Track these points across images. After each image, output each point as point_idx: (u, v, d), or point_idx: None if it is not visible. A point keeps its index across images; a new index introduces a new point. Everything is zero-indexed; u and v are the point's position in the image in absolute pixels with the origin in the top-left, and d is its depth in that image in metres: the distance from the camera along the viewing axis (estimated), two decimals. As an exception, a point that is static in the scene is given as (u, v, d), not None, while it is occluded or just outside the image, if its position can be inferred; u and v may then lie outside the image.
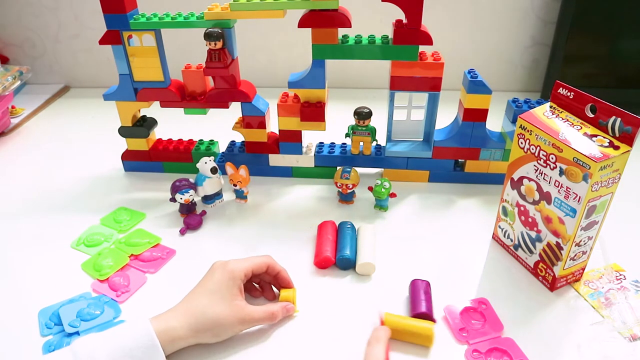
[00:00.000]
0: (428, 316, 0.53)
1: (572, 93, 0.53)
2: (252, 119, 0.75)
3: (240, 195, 0.74)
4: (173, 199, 0.70)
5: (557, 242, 0.55)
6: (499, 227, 0.64)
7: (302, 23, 0.66)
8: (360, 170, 0.75)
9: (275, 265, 0.55)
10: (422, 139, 0.78)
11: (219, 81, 0.72)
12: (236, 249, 0.65)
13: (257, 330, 0.53)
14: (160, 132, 0.84)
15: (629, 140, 0.48)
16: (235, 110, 0.76)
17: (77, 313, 0.54)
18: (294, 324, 0.54)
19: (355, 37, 0.69)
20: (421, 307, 0.53)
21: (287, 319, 0.54)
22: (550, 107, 0.56)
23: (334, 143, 0.81)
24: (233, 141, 0.83)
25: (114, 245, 0.66)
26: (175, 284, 0.60)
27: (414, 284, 0.56)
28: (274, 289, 0.58)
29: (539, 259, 0.58)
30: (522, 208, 0.59)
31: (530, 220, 0.58)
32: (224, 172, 0.75)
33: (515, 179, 0.58)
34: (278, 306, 0.52)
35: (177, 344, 0.47)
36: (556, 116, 0.54)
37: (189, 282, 0.53)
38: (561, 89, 0.55)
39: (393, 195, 0.72)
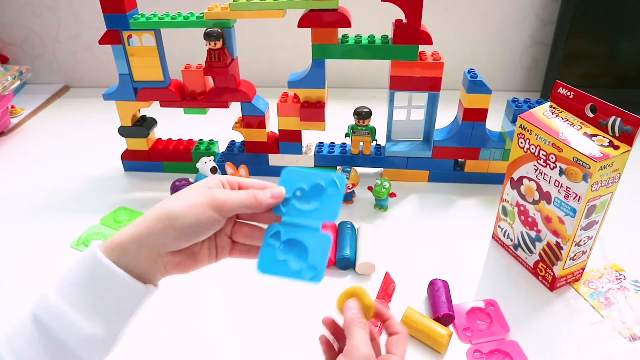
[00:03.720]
0: (450, 317, 0.53)
1: (572, 93, 0.53)
2: (252, 119, 0.75)
3: (240, 195, 0.74)
4: (173, 199, 0.70)
5: (557, 242, 0.55)
6: (499, 227, 0.64)
7: (302, 23, 0.66)
8: (360, 170, 0.75)
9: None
10: (422, 139, 0.78)
11: (219, 81, 0.72)
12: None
13: (256, 330, 0.53)
14: (160, 132, 0.84)
15: (629, 140, 0.48)
16: (235, 110, 0.76)
17: None
18: (294, 323, 0.54)
19: (355, 37, 0.69)
20: (445, 309, 0.53)
21: (287, 320, 0.54)
22: (550, 107, 0.56)
23: (334, 143, 0.81)
24: (233, 141, 0.83)
25: (114, 245, 0.66)
26: (175, 282, 0.60)
27: (433, 284, 0.56)
28: None
29: (539, 259, 0.58)
30: (522, 208, 0.59)
31: (530, 220, 0.58)
32: (224, 172, 0.75)
33: (516, 179, 0.58)
34: (263, 191, 0.39)
35: (130, 249, 0.36)
36: (556, 116, 0.54)
37: (189, 281, 0.53)
38: (561, 89, 0.55)
39: (393, 195, 0.72)
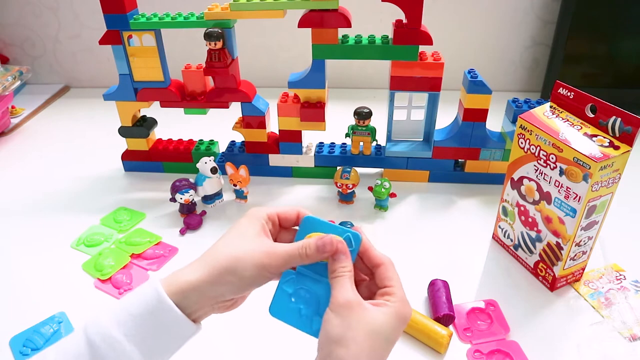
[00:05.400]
0: (450, 317, 0.53)
1: (572, 93, 0.53)
2: (252, 119, 0.75)
3: (240, 195, 0.74)
4: (173, 199, 0.70)
5: (557, 242, 0.55)
6: (499, 227, 0.64)
7: (302, 23, 0.66)
8: (360, 170, 0.75)
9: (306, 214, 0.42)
10: (422, 139, 0.78)
11: (219, 81, 0.72)
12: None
13: (256, 330, 0.53)
14: (160, 132, 0.84)
15: (629, 140, 0.48)
16: (235, 110, 0.76)
17: (25, 341, 0.53)
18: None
19: (355, 37, 0.69)
20: (445, 309, 0.53)
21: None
22: (551, 107, 0.56)
23: (334, 143, 0.81)
24: (233, 141, 0.83)
25: (114, 245, 0.66)
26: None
27: (433, 284, 0.56)
28: None
29: (539, 259, 0.58)
30: (522, 208, 0.59)
31: (530, 220, 0.58)
32: (224, 172, 0.75)
33: (516, 179, 0.58)
34: (313, 240, 0.38)
35: (191, 296, 0.37)
36: (556, 116, 0.54)
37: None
38: (561, 89, 0.55)
39: (393, 195, 0.72)
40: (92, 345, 0.35)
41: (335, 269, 0.37)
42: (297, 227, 0.41)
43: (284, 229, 0.42)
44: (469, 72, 0.70)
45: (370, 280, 0.39)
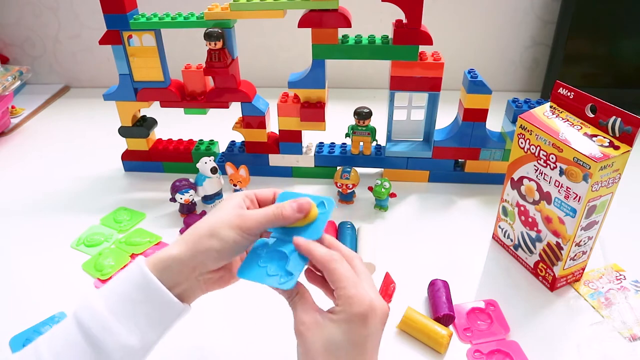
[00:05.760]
0: (450, 317, 0.53)
1: (572, 93, 0.53)
2: (252, 119, 0.75)
3: (240, 195, 0.74)
4: (173, 199, 0.70)
5: (557, 242, 0.55)
6: (499, 227, 0.64)
7: (302, 23, 0.66)
8: (360, 170, 0.75)
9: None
10: (422, 139, 0.78)
11: (219, 81, 0.72)
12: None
13: (254, 330, 0.53)
14: (160, 132, 0.84)
15: (629, 140, 0.48)
16: (235, 110, 0.76)
17: (25, 341, 0.52)
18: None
19: (355, 37, 0.69)
20: (445, 309, 0.53)
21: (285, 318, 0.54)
22: (550, 107, 0.56)
23: (334, 143, 0.81)
24: (233, 141, 0.83)
25: (114, 245, 0.66)
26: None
27: (433, 284, 0.56)
28: None
29: (539, 259, 0.58)
30: (522, 208, 0.59)
31: (530, 220, 0.58)
32: (224, 172, 0.75)
33: (516, 179, 0.58)
34: (288, 201, 0.40)
35: (173, 267, 0.37)
36: (556, 116, 0.54)
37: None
38: (561, 89, 0.55)
39: (393, 195, 0.72)
40: (81, 324, 0.35)
41: (298, 289, 0.38)
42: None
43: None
44: (469, 72, 0.70)
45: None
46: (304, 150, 0.78)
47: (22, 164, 0.88)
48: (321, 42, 0.68)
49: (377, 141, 0.77)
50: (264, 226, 0.39)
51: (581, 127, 0.52)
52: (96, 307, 0.36)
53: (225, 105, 0.75)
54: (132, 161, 0.83)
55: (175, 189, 0.69)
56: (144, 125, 0.79)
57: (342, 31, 0.69)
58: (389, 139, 0.76)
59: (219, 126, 0.85)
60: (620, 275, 0.59)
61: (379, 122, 0.76)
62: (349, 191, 0.72)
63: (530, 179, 0.56)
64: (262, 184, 0.78)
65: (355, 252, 0.61)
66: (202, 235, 0.38)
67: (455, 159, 0.77)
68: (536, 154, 0.54)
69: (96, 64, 1.18)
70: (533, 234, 0.58)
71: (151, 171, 0.83)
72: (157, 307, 0.37)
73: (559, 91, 0.55)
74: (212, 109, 0.76)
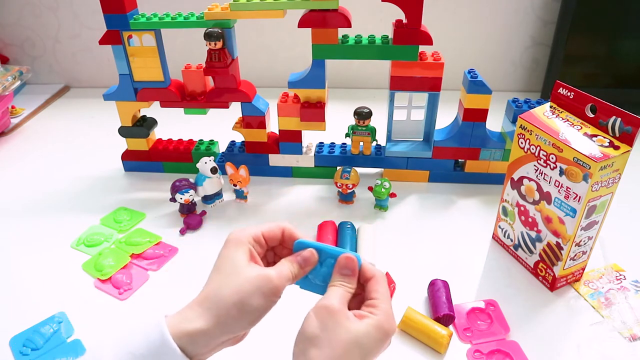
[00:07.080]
0: (450, 317, 0.53)
1: (572, 93, 0.53)
2: (252, 119, 0.75)
3: (240, 195, 0.74)
4: (173, 199, 0.70)
5: (557, 242, 0.55)
6: (499, 227, 0.64)
7: (302, 23, 0.66)
8: (360, 170, 0.75)
9: (294, 233, 0.41)
10: (422, 139, 0.78)
11: (219, 81, 0.72)
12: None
13: (254, 330, 0.53)
14: (160, 132, 0.84)
15: (629, 140, 0.48)
16: (235, 110, 0.76)
17: (25, 341, 0.53)
18: (293, 324, 0.54)
19: (355, 37, 0.69)
20: (445, 309, 0.53)
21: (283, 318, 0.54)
22: (551, 107, 0.56)
23: (334, 143, 0.81)
24: (233, 141, 0.83)
25: (114, 245, 0.66)
26: (177, 280, 0.60)
27: (433, 284, 0.56)
28: None
29: (539, 259, 0.58)
30: (522, 208, 0.59)
31: (530, 220, 0.58)
32: (224, 172, 0.75)
33: (516, 179, 0.58)
34: (308, 252, 0.39)
35: (200, 341, 0.36)
36: (556, 116, 0.54)
37: (191, 279, 0.53)
38: (561, 89, 0.55)
39: (393, 195, 0.72)
40: None
41: (336, 280, 0.38)
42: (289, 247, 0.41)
43: (271, 248, 0.41)
44: (469, 72, 0.70)
45: (361, 294, 0.39)
46: (304, 150, 0.78)
47: (22, 164, 0.88)
48: (321, 42, 0.68)
49: (377, 141, 0.77)
50: (290, 283, 0.38)
51: (581, 127, 0.52)
52: None
53: (225, 105, 0.75)
54: (132, 161, 0.83)
55: (175, 189, 0.69)
56: (144, 125, 0.79)
57: (342, 31, 0.69)
58: (389, 139, 0.76)
59: (219, 126, 0.85)
60: (620, 275, 0.59)
61: (379, 122, 0.76)
62: (349, 191, 0.72)
63: (530, 179, 0.56)
64: (262, 184, 0.78)
65: (355, 252, 0.61)
66: (229, 306, 0.36)
67: (455, 159, 0.77)
68: (536, 154, 0.54)
69: (96, 64, 1.18)
70: (533, 234, 0.58)
71: (151, 171, 0.83)
72: None
73: (559, 91, 0.55)
74: (212, 109, 0.76)
